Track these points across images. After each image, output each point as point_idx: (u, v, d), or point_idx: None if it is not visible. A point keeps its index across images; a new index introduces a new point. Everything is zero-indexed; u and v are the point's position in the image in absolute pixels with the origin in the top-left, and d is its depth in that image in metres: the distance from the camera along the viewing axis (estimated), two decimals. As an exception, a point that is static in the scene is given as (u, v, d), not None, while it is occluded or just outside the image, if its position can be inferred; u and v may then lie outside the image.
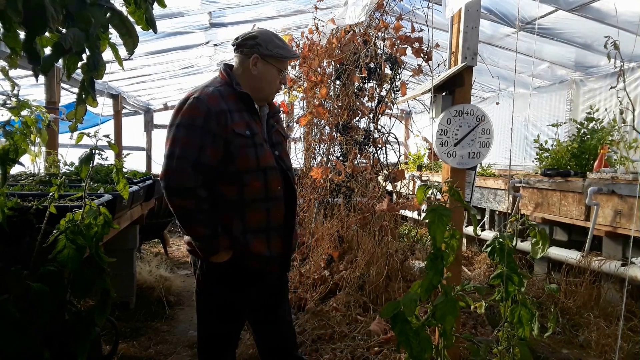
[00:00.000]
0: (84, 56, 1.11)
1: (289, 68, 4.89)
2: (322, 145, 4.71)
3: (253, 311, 1.97)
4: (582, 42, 4.90)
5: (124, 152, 3.99)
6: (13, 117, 1.58)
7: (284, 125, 2.24)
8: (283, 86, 1.95)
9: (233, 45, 1.86)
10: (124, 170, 2.44)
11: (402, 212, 4.71)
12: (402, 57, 3.88)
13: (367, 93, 4.21)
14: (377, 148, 4.14)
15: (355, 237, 4.06)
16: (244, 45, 1.82)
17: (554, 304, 3.65)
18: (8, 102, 1.58)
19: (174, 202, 1.67)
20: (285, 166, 1.87)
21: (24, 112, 1.65)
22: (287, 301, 2.06)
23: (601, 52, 4.94)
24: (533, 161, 5.77)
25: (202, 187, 1.68)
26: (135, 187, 3.13)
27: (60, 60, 1.06)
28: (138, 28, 1.18)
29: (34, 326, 1.29)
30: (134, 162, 8.03)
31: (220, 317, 1.84)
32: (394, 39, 3.88)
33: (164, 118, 8.78)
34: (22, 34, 0.95)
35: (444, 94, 2.24)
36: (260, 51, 1.79)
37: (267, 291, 1.90)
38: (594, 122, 4.70)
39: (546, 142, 5.06)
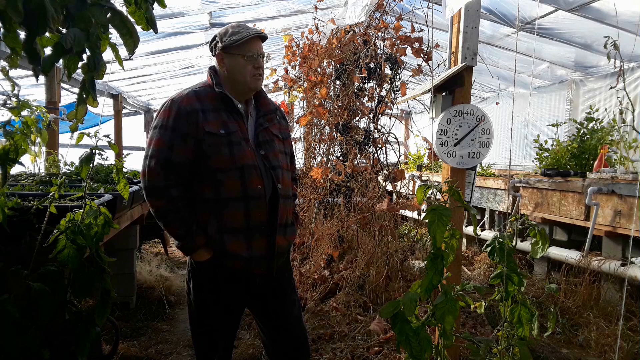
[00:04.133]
0: (85, 56, 1.11)
1: (289, 68, 4.90)
2: (322, 145, 4.72)
3: (254, 310, 1.97)
4: (582, 42, 4.91)
5: (124, 152, 3.99)
6: (13, 117, 1.58)
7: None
8: (263, 70, 1.88)
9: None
10: (124, 170, 2.44)
11: (402, 212, 4.71)
12: (402, 57, 3.89)
13: (367, 93, 4.21)
14: (377, 148, 4.14)
15: (355, 237, 4.06)
16: (211, 49, 1.89)
17: (554, 303, 3.65)
18: (8, 102, 1.58)
19: (149, 201, 1.73)
20: (270, 165, 1.82)
21: (25, 112, 1.65)
22: (293, 298, 2.00)
23: (601, 52, 4.95)
24: (533, 161, 5.78)
25: (175, 187, 1.71)
26: (135, 187, 3.12)
27: (61, 61, 1.06)
28: (138, 28, 1.18)
29: (34, 326, 1.29)
30: (134, 162, 8.02)
31: (207, 314, 1.83)
32: (393, 39, 3.89)
33: (164, 118, 8.79)
34: (22, 34, 0.95)
35: (444, 94, 2.24)
36: (220, 47, 1.81)
37: (259, 291, 1.87)
38: (594, 122, 4.70)
39: (546, 142, 5.07)
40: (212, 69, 1.89)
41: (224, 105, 1.80)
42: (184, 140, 1.71)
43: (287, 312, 1.96)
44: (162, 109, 1.78)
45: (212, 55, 1.89)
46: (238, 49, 1.79)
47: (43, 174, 3.20)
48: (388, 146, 4.19)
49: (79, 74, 1.11)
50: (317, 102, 4.51)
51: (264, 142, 1.86)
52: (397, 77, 3.97)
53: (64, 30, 1.03)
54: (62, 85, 4.76)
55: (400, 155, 4.27)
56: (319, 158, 4.79)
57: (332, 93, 4.46)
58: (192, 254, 1.77)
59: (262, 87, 1.96)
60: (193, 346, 1.95)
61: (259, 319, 1.99)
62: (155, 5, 1.23)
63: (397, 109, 4.21)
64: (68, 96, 5.97)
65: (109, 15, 1.10)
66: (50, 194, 1.58)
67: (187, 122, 1.71)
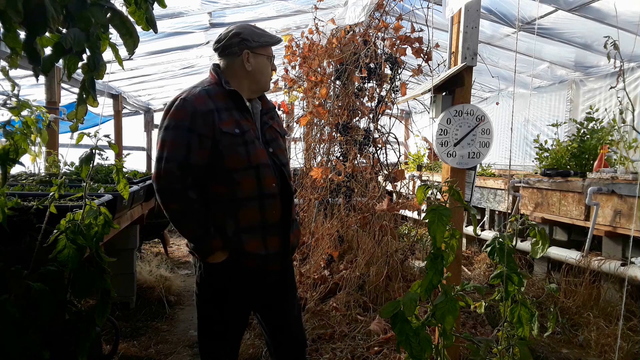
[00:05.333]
0: (85, 56, 1.11)
1: (289, 68, 4.91)
2: (322, 145, 4.71)
3: (259, 309, 1.97)
4: (582, 42, 4.91)
5: (124, 152, 3.98)
6: (13, 117, 1.58)
7: (284, 124, 2.25)
8: (275, 73, 1.99)
9: (217, 49, 1.85)
10: (124, 170, 2.44)
11: (402, 212, 4.71)
12: (402, 57, 3.89)
13: (367, 93, 4.21)
14: (377, 148, 4.14)
15: (355, 237, 4.06)
16: (230, 45, 1.82)
17: (554, 303, 3.65)
18: (8, 102, 1.58)
19: (165, 204, 1.69)
20: (280, 162, 1.85)
21: (25, 112, 1.65)
22: (294, 296, 2.03)
23: (601, 52, 4.95)
24: (533, 161, 5.77)
25: (192, 189, 1.68)
26: (135, 187, 3.13)
27: (61, 61, 1.06)
28: (138, 28, 1.18)
29: (34, 326, 1.29)
30: (134, 162, 8.04)
31: (221, 316, 1.82)
32: (394, 39, 3.89)
33: (164, 118, 8.79)
34: (22, 34, 0.95)
35: (444, 94, 2.24)
36: (249, 45, 1.81)
37: (269, 289, 1.89)
38: (594, 122, 4.70)
39: (546, 142, 5.07)
40: (216, 67, 1.86)
41: (234, 104, 1.79)
42: (200, 141, 1.68)
43: (290, 310, 1.98)
44: (173, 108, 1.71)
45: (227, 52, 1.83)
46: (265, 50, 1.84)
47: (43, 174, 3.20)
48: (388, 146, 4.19)
49: (79, 74, 1.11)
50: (317, 102, 4.51)
51: (270, 140, 1.88)
52: (397, 77, 3.97)
53: (64, 30, 1.03)
54: (62, 85, 4.76)
55: (400, 155, 4.27)
56: (319, 158, 4.79)
57: (332, 93, 4.46)
58: (209, 256, 1.73)
59: None
60: (200, 350, 1.90)
61: (263, 318, 1.99)
62: (155, 5, 1.23)
63: (397, 109, 4.20)
64: (68, 96, 5.96)
65: (109, 15, 1.10)
66: (50, 194, 1.58)
67: (203, 122, 1.68)
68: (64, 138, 4.70)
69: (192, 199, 1.67)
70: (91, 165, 1.56)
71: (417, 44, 3.69)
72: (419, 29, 3.68)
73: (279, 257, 1.83)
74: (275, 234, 1.81)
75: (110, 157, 3.55)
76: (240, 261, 1.75)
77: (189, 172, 1.67)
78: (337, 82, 4.37)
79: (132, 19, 1.16)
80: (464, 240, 5.67)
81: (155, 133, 8.66)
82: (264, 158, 1.78)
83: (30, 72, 3.57)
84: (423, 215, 1.61)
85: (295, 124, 4.98)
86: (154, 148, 9.66)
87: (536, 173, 5.20)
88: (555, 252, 4.14)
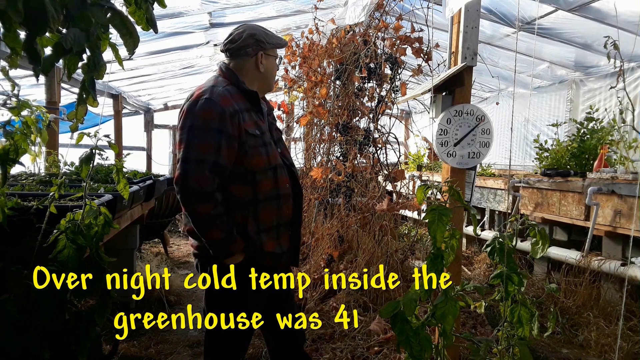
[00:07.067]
0: (85, 56, 1.11)
1: (289, 68, 4.91)
2: (322, 145, 4.71)
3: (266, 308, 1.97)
4: (582, 42, 4.90)
5: (124, 152, 3.98)
6: (13, 117, 1.58)
7: (284, 124, 2.27)
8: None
9: (230, 49, 1.82)
10: (124, 170, 2.44)
11: (402, 212, 4.71)
12: (402, 57, 3.88)
13: (367, 93, 4.21)
14: (377, 148, 4.14)
15: (355, 237, 4.06)
16: (246, 46, 1.80)
17: (554, 303, 3.65)
18: (8, 102, 1.58)
19: (193, 207, 1.65)
20: (289, 162, 1.90)
21: (25, 112, 1.65)
22: (293, 295, 2.06)
23: (601, 52, 4.94)
24: (533, 161, 5.77)
25: (219, 191, 1.67)
26: (135, 187, 3.12)
27: (61, 61, 1.06)
28: (138, 28, 1.18)
29: (34, 326, 1.29)
30: (134, 162, 8.05)
31: (233, 319, 1.80)
32: (394, 39, 3.88)
33: (164, 118, 8.81)
34: (22, 34, 0.95)
35: (444, 94, 2.24)
36: (263, 47, 1.82)
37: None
38: (594, 122, 4.70)
39: (546, 142, 5.07)
40: (226, 68, 1.84)
41: (251, 104, 1.80)
42: (229, 142, 1.66)
43: (290, 309, 1.99)
44: (199, 108, 1.66)
45: (242, 53, 1.81)
46: (274, 51, 1.88)
47: (43, 174, 3.20)
48: (388, 146, 4.19)
49: (79, 74, 1.11)
50: (317, 102, 4.51)
51: (278, 140, 1.92)
52: (397, 77, 3.96)
53: (64, 30, 1.03)
54: (62, 85, 4.76)
55: (400, 155, 4.26)
56: (319, 158, 4.79)
57: (332, 93, 4.46)
58: (228, 258, 1.72)
59: None
60: (206, 352, 1.87)
61: (265, 316, 1.98)
62: (155, 5, 1.23)
63: (397, 109, 4.20)
64: (68, 96, 5.96)
65: (109, 15, 1.10)
66: (50, 194, 1.58)
67: (231, 124, 1.66)
68: (64, 138, 4.70)
69: (219, 201, 1.66)
70: (91, 165, 1.56)
71: (417, 44, 3.69)
72: (419, 29, 3.68)
73: (289, 253, 1.88)
74: (286, 232, 1.85)
75: (110, 157, 3.55)
76: (258, 260, 1.76)
77: (219, 174, 1.65)
78: (337, 82, 4.37)
79: (132, 19, 1.16)
80: (464, 240, 5.67)
81: (155, 133, 8.67)
82: (279, 158, 1.82)
83: (30, 72, 3.57)
84: (423, 215, 1.61)
85: (295, 124, 4.98)
86: (154, 148, 9.56)
87: (536, 173, 5.20)
88: (555, 252, 4.14)
